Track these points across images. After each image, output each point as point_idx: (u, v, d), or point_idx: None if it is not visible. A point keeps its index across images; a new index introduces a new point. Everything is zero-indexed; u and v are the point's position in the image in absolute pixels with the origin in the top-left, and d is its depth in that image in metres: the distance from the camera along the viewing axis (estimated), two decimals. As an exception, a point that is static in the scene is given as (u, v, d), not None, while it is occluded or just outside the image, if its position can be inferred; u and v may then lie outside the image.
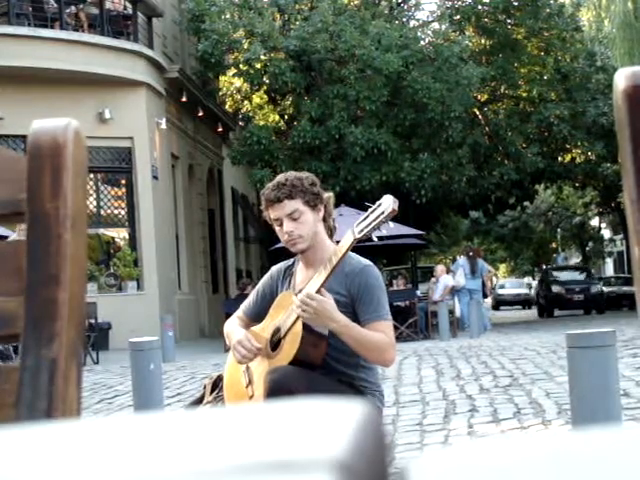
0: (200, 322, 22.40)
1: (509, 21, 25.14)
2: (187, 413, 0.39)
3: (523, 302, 45.69)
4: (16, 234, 9.12)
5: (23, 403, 0.94)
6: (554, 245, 54.36)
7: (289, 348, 3.44)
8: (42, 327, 0.95)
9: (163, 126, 19.60)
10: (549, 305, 30.59)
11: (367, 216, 3.32)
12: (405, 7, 26.37)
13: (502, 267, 66.67)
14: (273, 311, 3.59)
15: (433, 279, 21.24)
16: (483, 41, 25.96)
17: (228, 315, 4.49)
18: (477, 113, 25.62)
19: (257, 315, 3.69)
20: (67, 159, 0.97)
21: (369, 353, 3.39)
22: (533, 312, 36.35)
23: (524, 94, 25.87)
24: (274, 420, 0.37)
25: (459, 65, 21.73)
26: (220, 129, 24.82)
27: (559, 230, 50.40)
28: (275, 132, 23.08)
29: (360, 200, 14.19)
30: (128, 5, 19.68)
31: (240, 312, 3.78)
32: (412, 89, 21.26)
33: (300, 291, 3.43)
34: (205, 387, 3.83)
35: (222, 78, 25.68)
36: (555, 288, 30.67)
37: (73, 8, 18.84)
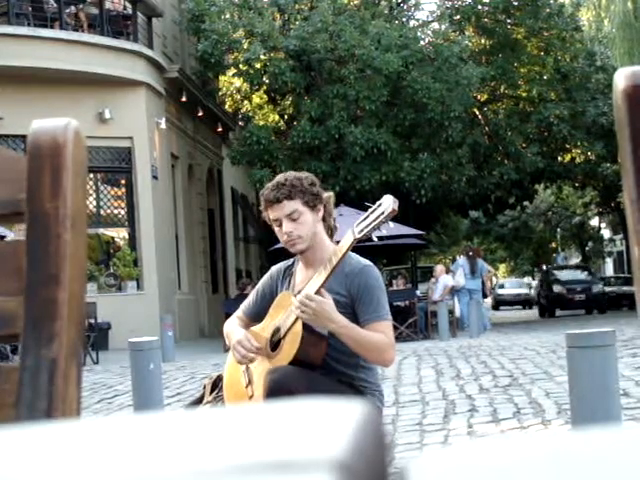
0: (200, 322, 22.40)
1: (509, 21, 25.13)
2: (187, 413, 0.39)
3: (523, 302, 45.60)
4: (14, 234, 9.13)
5: (23, 403, 0.94)
6: (554, 245, 54.33)
7: (289, 348, 3.43)
8: (42, 327, 0.95)
9: (163, 126, 19.60)
10: (550, 305, 30.29)
11: (367, 216, 3.31)
12: (405, 7, 26.37)
13: (502, 267, 66.64)
14: (273, 311, 3.59)
15: (433, 279, 21.23)
16: (483, 41, 25.96)
17: (228, 315, 4.49)
18: (477, 113, 25.62)
19: (257, 315, 3.69)
20: (67, 159, 0.97)
21: (368, 353, 3.39)
22: (533, 312, 36.26)
23: (524, 94, 25.87)
24: (274, 420, 0.37)
25: (459, 65, 21.73)
26: (220, 129, 24.82)
27: (559, 230, 50.38)
28: (275, 132, 23.07)
29: (360, 200, 14.21)
30: (128, 5, 19.68)
31: (240, 312, 3.78)
32: (412, 89, 21.26)
33: (300, 291, 3.43)
34: (205, 387, 3.83)
35: (222, 78, 25.67)
36: (556, 288, 30.38)
37: (73, 8, 18.84)
